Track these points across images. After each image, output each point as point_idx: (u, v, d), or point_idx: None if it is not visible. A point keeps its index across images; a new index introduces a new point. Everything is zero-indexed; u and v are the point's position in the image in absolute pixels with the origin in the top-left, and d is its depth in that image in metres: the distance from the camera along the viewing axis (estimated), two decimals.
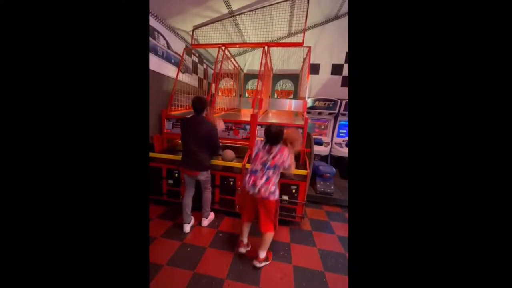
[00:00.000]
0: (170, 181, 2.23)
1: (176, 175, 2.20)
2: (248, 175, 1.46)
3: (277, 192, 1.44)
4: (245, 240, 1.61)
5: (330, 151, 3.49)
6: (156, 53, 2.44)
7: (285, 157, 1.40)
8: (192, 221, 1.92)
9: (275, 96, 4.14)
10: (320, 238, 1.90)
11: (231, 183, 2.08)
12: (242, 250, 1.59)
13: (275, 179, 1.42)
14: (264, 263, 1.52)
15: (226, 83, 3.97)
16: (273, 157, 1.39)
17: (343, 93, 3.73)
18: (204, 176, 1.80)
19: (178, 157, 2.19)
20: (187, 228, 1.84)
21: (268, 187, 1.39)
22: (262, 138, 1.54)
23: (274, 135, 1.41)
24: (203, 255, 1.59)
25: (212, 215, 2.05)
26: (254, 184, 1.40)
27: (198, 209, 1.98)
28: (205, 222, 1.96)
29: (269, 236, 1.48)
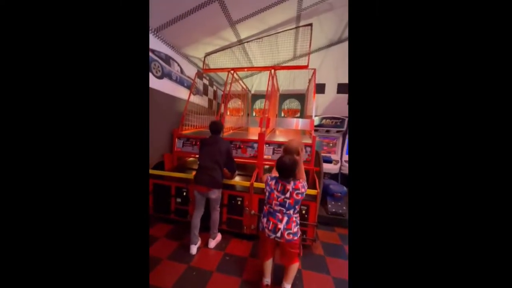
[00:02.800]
0: (179, 200, 2.23)
1: (184, 193, 2.21)
2: (265, 219, 1.34)
3: (299, 229, 1.33)
4: (269, 280, 1.44)
5: (340, 169, 3.40)
6: (170, 78, 2.64)
7: (302, 190, 1.27)
8: (199, 242, 1.87)
9: (282, 115, 4.23)
10: (334, 264, 1.77)
11: (239, 202, 2.05)
12: None
13: (296, 217, 1.31)
14: None
15: (234, 103, 4.14)
16: (291, 195, 1.26)
17: None
18: (216, 194, 1.81)
19: (187, 175, 2.23)
20: (193, 249, 1.79)
21: (291, 230, 1.27)
22: (267, 176, 1.41)
23: (289, 167, 1.26)
24: (209, 281, 1.51)
25: (219, 236, 1.99)
26: (275, 229, 1.28)
27: (205, 230, 1.94)
28: (212, 244, 1.90)
29: (295, 267, 1.37)
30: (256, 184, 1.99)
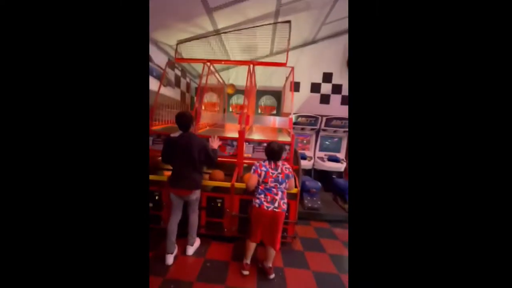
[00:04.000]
0: (150, 204, 2.00)
1: (156, 197, 1.99)
2: (261, 195, 1.52)
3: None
4: (249, 261, 1.62)
5: (313, 165, 3.59)
6: None
7: (289, 166, 1.58)
8: (176, 250, 1.72)
9: (259, 111, 4.21)
10: (313, 258, 1.86)
11: (219, 204, 1.95)
12: (247, 272, 1.60)
13: (286, 190, 1.57)
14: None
15: (210, 97, 3.91)
16: (282, 170, 1.53)
17: (322, 109, 3.98)
18: (197, 195, 1.68)
19: (159, 177, 2.00)
20: (170, 259, 1.63)
21: (285, 200, 1.55)
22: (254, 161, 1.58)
23: (278, 152, 1.53)
24: None
25: (198, 242, 1.87)
26: (273, 200, 1.49)
27: (181, 235, 1.79)
28: (191, 250, 1.77)
29: (274, 252, 1.61)
30: (237, 185, 1.92)
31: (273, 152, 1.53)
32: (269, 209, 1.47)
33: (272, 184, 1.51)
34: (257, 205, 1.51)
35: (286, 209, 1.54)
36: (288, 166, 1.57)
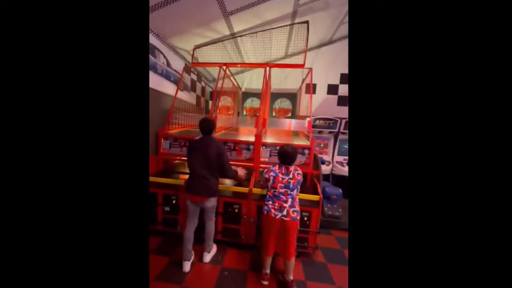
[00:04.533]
0: (167, 208, 1.99)
1: (173, 201, 1.98)
2: (269, 201, 1.44)
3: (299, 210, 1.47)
4: (268, 271, 1.56)
5: (332, 170, 3.42)
6: (155, 71, 2.35)
7: (300, 171, 1.47)
8: (192, 257, 1.67)
9: (273, 114, 4.14)
10: (337, 272, 1.72)
11: (236, 210, 1.89)
12: (266, 283, 1.54)
13: (297, 197, 1.46)
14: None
15: (224, 101, 3.92)
16: (293, 176, 1.42)
17: (340, 111, 3.81)
18: (212, 203, 1.63)
19: (176, 181, 1.99)
20: (187, 266, 1.59)
21: (295, 208, 1.42)
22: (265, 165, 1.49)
23: (291, 155, 1.43)
24: None
25: (214, 248, 1.82)
26: (281, 207, 1.39)
27: (198, 241, 1.74)
28: (207, 257, 1.72)
29: (293, 261, 1.49)
30: (255, 190, 1.85)
31: (286, 154, 1.43)
32: (277, 217, 1.38)
33: (282, 190, 1.40)
34: (265, 212, 1.44)
35: (297, 217, 1.40)
36: (300, 172, 1.47)
